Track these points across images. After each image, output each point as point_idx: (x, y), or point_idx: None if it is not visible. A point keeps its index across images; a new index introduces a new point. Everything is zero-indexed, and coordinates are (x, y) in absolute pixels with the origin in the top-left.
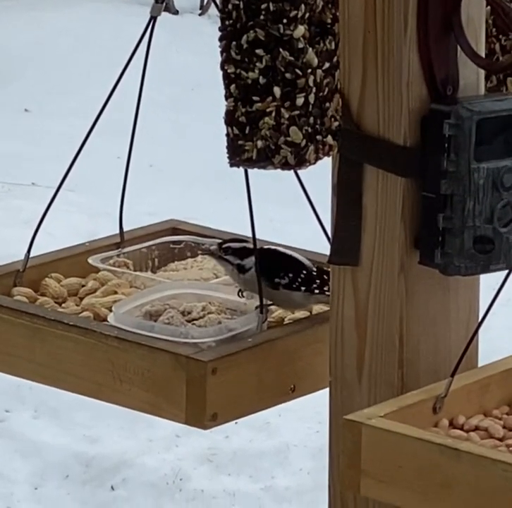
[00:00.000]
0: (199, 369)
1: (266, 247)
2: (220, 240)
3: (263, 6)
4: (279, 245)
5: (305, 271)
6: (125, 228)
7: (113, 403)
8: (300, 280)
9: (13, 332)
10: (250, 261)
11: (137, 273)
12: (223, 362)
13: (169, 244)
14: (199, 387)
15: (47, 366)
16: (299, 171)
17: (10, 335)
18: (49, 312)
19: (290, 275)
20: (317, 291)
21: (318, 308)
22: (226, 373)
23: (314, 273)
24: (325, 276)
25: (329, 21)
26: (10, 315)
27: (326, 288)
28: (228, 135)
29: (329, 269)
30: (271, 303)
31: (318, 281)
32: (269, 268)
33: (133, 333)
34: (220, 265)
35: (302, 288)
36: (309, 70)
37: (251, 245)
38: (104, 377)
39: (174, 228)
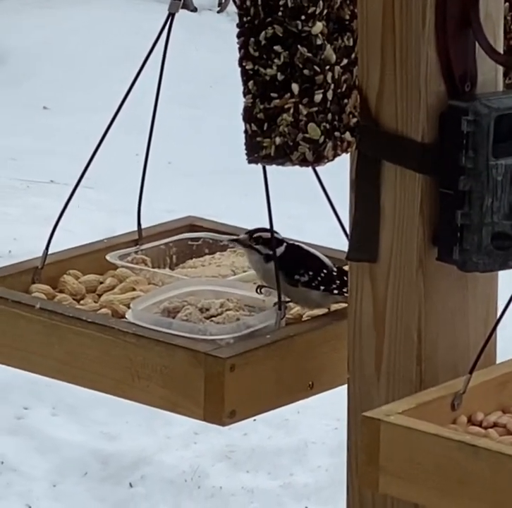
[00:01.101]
0: (218, 366)
1: (291, 242)
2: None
3: (281, 3)
4: (300, 242)
5: (325, 271)
6: (143, 226)
7: (131, 400)
8: (319, 279)
9: (31, 329)
10: (278, 251)
11: (155, 270)
12: (242, 358)
13: (187, 241)
14: (217, 384)
15: (65, 363)
16: (317, 168)
17: (29, 332)
18: (67, 309)
19: (311, 273)
20: (335, 292)
21: (336, 305)
22: (244, 370)
23: (335, 273)
24: (345, 278)
25: (347, 17)
26: (29, 311)
27: (345, 290)
28: (246, 131)
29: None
30: (289, 299)
31: (338, 281)
32: (289, 264)
33: (151, 330)
34: (247, 254)
35: (321, 288)
36: (328, 67)
37: (279, 236)
38: (122, 374)
39: (192, 224)
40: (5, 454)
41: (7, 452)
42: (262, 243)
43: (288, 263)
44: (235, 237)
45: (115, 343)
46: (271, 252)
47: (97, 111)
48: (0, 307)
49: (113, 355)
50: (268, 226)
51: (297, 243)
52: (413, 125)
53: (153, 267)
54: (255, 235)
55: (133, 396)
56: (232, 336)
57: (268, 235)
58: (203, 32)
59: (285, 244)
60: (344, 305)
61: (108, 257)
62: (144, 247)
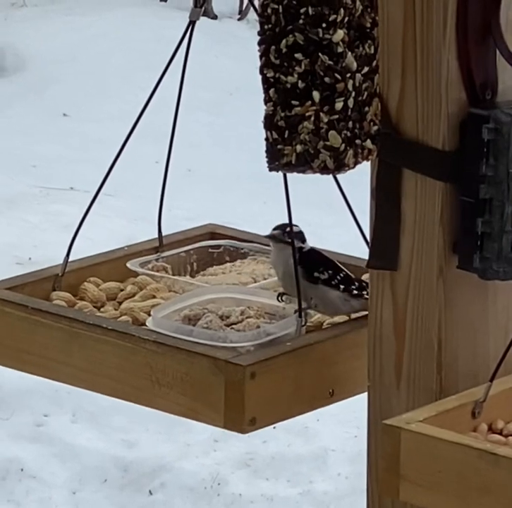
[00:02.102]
0: (238, 373)
1: (311, 247)
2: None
3: (302, 10)
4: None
5: (344, 273)
6: (163, 233)
7: (151, 408)
8: (339, 278)
9: (51, 336)
10: (305, 247)
11: (176, 277)
12: (262, 366)
13: (208, 248)
14: (237, 391)
15: (85, 370)
16: (338, 175)
17: (49, 339)
18: (88, 316)
19: (330, 272)
20: (355, 292)
21: (355, 314)
22: (265, 377)
23: (354, 277)
24: (364, 283)
25: (368, 25)
26: (49, 319)
27: (364, 293)
28: (267, 139)
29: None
30: (309, 306)
31: (357, 283)
32: (309, 262)
33: (172, 337)
34: (276, 249)
35: (341, 287)
36: (349, 75)
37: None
38: (143, 381)
39: (212, 232)
40: (25, 461)
41: (27, 459)
42: (295, 237)
43: (309, 260)
44: (269, 233)
45: (135, 351)
46: (302, 245)
47: (117, 119)
48: (20, 314)
49: (134, 362)
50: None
51: (318, 249)
52: (434, 133)
53: (174, 275)
54: (288, 229)
55: (153, 404)
56: (252, 343)
57: (299, 229)
58: (223, 39)
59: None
60: (364, 313)
61: (128, 265)
62: (164, 254)
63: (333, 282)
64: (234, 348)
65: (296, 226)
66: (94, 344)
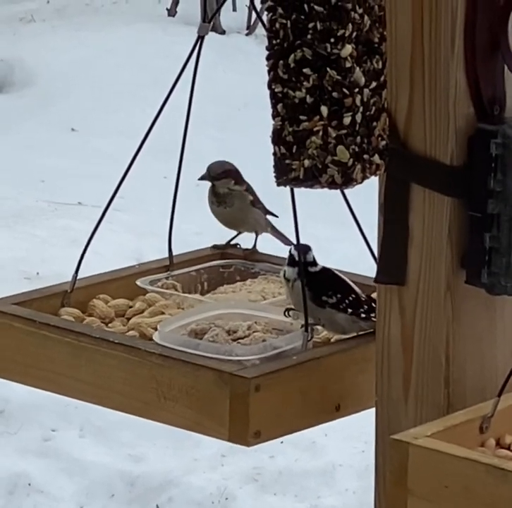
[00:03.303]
0: (243, 386)
1: (321, 265)
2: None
3: (310, 25)
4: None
5: (354, 295)
6: (173, 248)
7: (157, 421)
8: (347, 302)
9: (59, 351)
10: (313, 270)
11: (186, 294)
12: (267, 379)
13: (219, 268)
14: (242, 404)
15: (92, 384)
16: (345, 190)
17: (57, 353)
18: (94, 330)
19: (339, 296)
20: (363, 315)
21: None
22: (270, 390)
23: (363, 299)
24: (374, 304)
25: (377, 40)
26: (56, 333)
27: (373, 315)
28: (275, 154)
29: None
30: (316, 322)
31: (366, 306)
32: (318, 284)
33: (177, 350)
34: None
35: (349, 311)
36: (357, 90)
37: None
38: (149, 395)
39: (223, 252)
40: (33, 476)
41: (34, 474)
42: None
43: (316, 283)
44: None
45: (141, 364)
46: (312, 269)
47: (126, 134)
48: (28, 329)
49: (140, 376)
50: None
51: (328, 267)
52: (442, 148)
53: (184, 293)
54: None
55: (159, 417)
56: (258, 357)
57: (310, 256)
58: (232, 54)
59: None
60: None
61: (138, 282)
62: (175, 273)
63: (341, 306)
64: (239, 362)
65: (298, 252)
66: (101, 358)
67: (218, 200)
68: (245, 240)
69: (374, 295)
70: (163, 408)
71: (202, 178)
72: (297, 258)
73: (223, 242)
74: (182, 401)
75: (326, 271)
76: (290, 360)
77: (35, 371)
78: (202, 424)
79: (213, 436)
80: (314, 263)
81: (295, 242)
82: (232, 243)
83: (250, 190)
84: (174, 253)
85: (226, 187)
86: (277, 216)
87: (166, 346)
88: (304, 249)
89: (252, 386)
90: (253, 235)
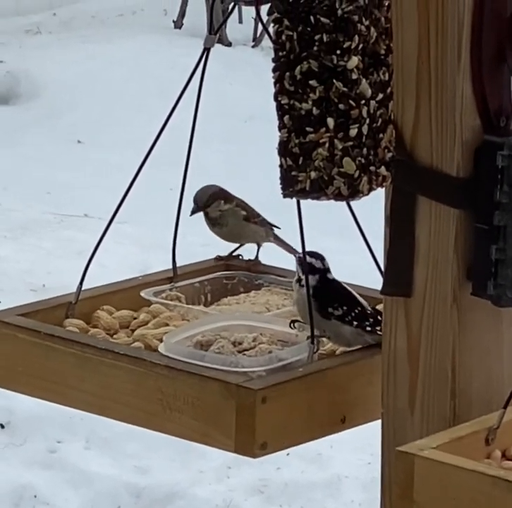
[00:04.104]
0: (249, 397)
1: (327, 277)
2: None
3: (317, 37)
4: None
5: (359, 308)
6: (179, 260)
7: (162, 433)
8: (353, 314)
9: (63, 362)
10: (313, 279)
11: (190, 306)
12: (273, 390)
13: (222, 279)
14: (248, 416)
15: (97, 395)
16: (352, 202)
17: (61, 365)
18: (99, 341)
19: (345, 308)
20: (368, 329)
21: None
22: (276, 402)
23: (369, 312)
24: (379, 317)
25: (383, 52)
26: (61, 344)
27: (378, 328)
28: (281, 166)
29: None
30: (322, 334)
31: (372, 319)
32: (324, 296)
33: (183, 362)
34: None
35: (354, 323)
36: (363, 101)
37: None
38: (154, 406)
39: (227, 263)
40: (39, 488)
41: (40, 486)
42: (310, 270)
43: (323, 294)
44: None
45: (147, 376)
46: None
47: (132, 146)
48: (33, 340)
49: (145, 387)
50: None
51: (335, 279)
52: (448, 160)
53: (187, 305)
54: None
55: (164, 428)
56: (264, 368)
57: (318, 264)
58: (238, 66)
59: (321, 275)
60: None
61: (142, 294)
62: (179, 284)
63: (346, 318)
64: (245, 373)
65: (304, 263)
66: (106, 369)
67: (212, 223)
68: (249, 250)
69: (379, 307)
70: (168, 420)
71: (193, 212)
72: (317, 265)
73: (228, 253)
74: (188, 412)
75: (332, 282)
76: (296, 372)
77: (40, 382)
78: (208, 435)
79: (219, 447)
80: (319, 271)
81: (299, 251)
82: (235, 254)
83: (241, 205)
84: (179, 265)
85: (217, 210)
86: (279, 228)
87: (171, 358)
88: (321, 256)
89: (258, 398)
90: (255, 245)
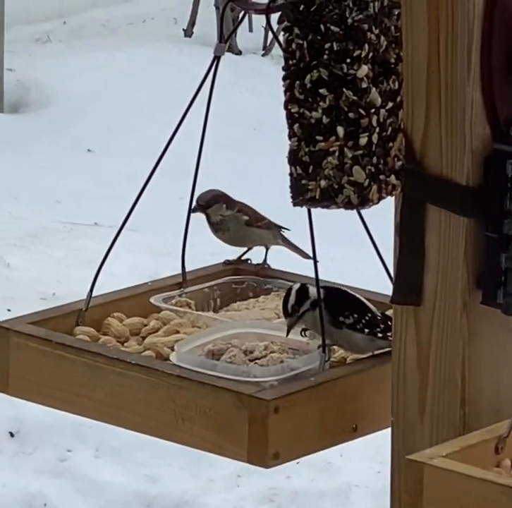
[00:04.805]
0: (262, 407)
1: (334, 286)
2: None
3: (327, 46)
4: (344, 286)
5: (370, 314)
6: (187, 268)
7: (174, 442)
8: (364, 322)
9: (74, 370)
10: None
11: (200, 312)
12: (286, 401)
13: (231, 284)
14: (261, 426)
15: (108, 404)
16: (362, 211)
17: (72, 373)
18: (111, 350)
19: (355, 316)
20: (380, 335)
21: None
22: (288, 412)
23: (379, 317)
24: (389, 322)
25: (393, 61)
26: (72, 353)
27: (389, 334)
28: (291, 174)
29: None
30: (333, 342)
31: (382, 325)
32: (334, 306)
33: (195, 371)
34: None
35: (366, 331)
36: (373, 110)
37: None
38: (166, 416)
39: (236, 268)
40: (49, 496)
41: (50, 494)
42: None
43: (332, 305)
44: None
45: (159, 385)
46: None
47: (142, 154)
48: (44, 348)
49: (157, 397)
50: (312, 271)
51: (340, 287)
52: (458, 169)
53: (197, 310)
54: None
55: (176, 438)
56: (276, 378)
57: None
58: (248, 75)
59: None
60: (388, 349)
61: (152, 300)
62: (188, 290)
63: (358, 326)
64: (258, 383)
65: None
66: (117, 379)
67: (214, 228)
68: (258, 254)
69: (389, 312)
70: (180, 430)
71: (193, 211)
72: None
73: (237, 257)
74: (200, 422)
75: (341, 291)
76: (308, 382)
77: (51, 391)
78: (220, 445)
79: (232, 458)
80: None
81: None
82: (243, 258)
83: (243, 210)
84: (187, 270)
85: (218, 214)
86: (289, 229)
87: (183, 367)
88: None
89: (271, 408)
90: (264, 248)
